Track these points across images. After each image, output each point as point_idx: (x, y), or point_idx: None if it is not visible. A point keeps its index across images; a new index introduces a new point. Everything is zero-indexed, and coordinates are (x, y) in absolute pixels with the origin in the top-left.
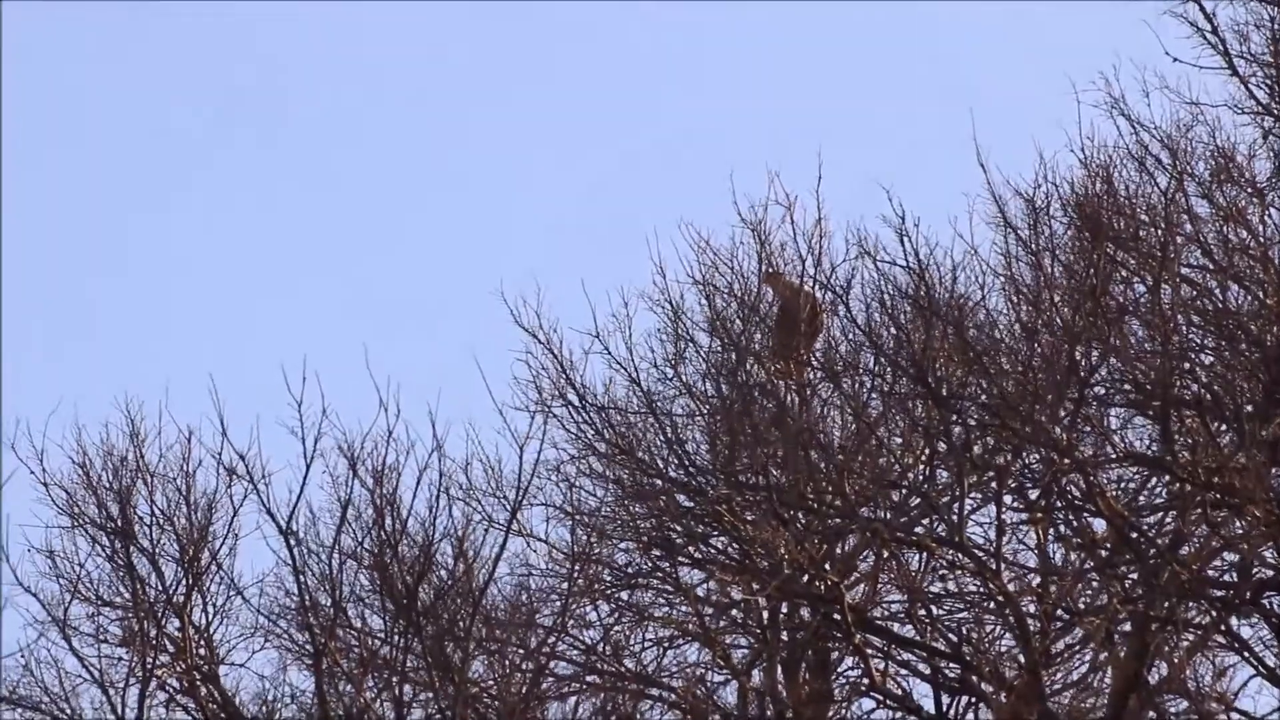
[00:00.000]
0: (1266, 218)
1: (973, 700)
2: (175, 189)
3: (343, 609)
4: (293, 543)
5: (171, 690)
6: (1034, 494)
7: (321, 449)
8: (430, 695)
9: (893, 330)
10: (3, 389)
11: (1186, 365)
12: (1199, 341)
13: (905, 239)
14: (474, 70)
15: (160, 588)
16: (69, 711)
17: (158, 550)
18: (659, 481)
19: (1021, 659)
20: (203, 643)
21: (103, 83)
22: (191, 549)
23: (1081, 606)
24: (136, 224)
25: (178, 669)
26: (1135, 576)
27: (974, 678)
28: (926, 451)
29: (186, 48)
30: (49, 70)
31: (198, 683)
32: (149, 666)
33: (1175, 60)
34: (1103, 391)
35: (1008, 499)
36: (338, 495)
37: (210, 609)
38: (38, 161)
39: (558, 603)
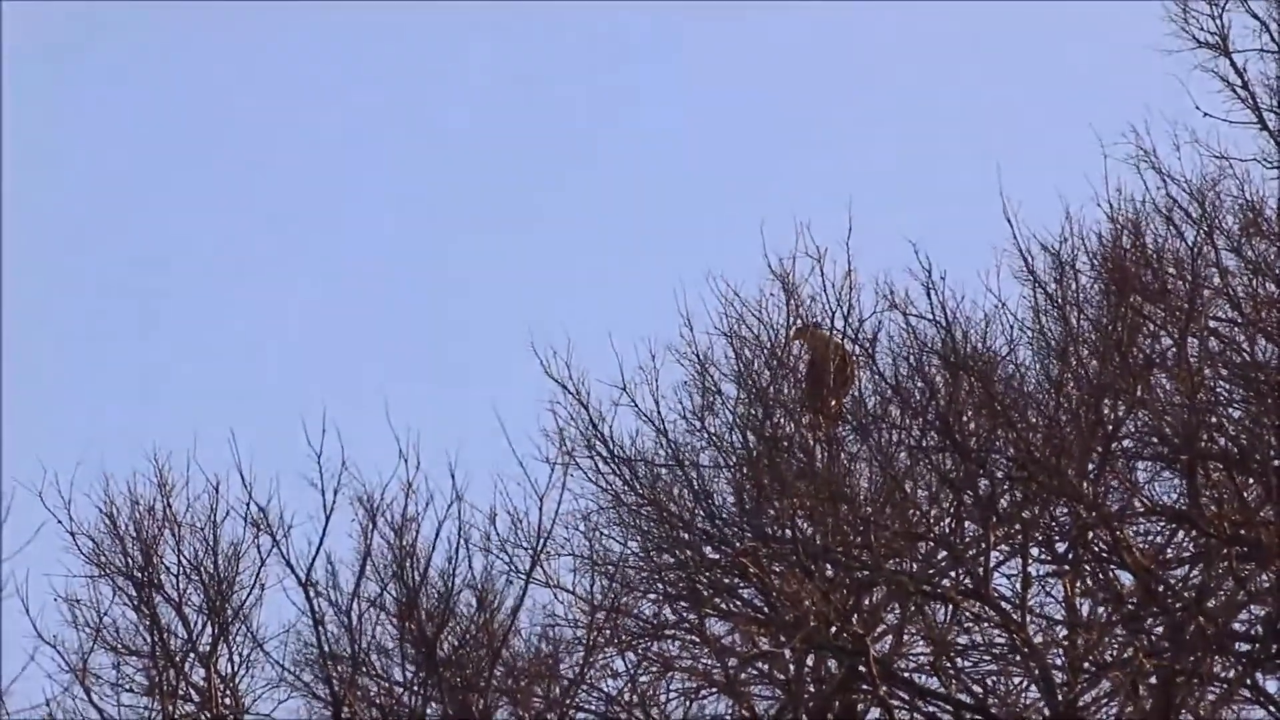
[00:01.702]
0: None
1: None
2: (204, 240)
3: (364, 659)
4: (312, 593)
5: None
6: (1060, 547)
7: (341, 500)
8: None
9: (920, 384)
10: (3, 429)
11: (1213, 419)
12: (1226, 395)
13: (932, 292)
14: (506, 122)
15: (185, 637)
16: None
17: (183, 600)
18: (685, 533)
19: (1047, 711)
20: (228, 692)
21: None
22: (218, 599)
23: (1107, 659)
24: (166, 279)
25: (204, 718)
26: (1161, 630)
27: None
28: (953, 505)
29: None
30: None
31: None
32: (170, 716)
33: (1205, 114)
34: (1129, 445)
35: (1034, 552)
36: (359, 546)
37: (236, 658)
38: (58, 194)
39: (581, 652)
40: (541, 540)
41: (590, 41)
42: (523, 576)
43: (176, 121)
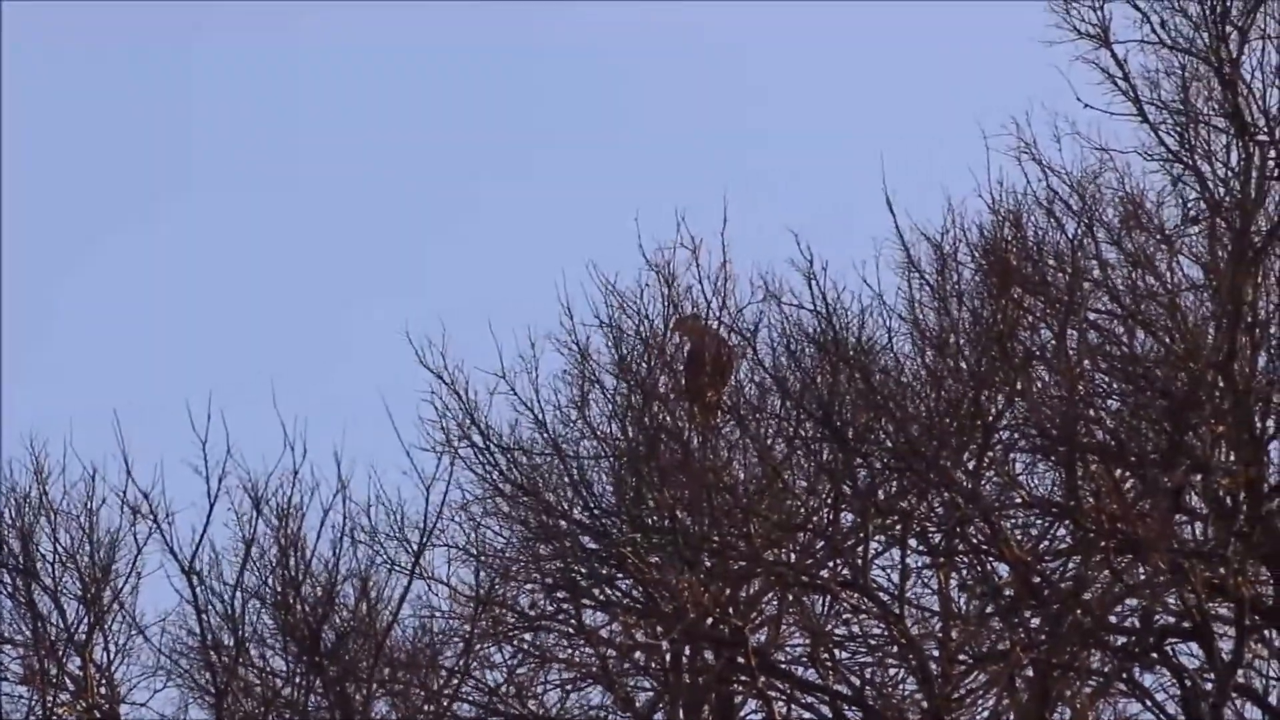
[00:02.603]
0: (1175, 265)
1: None
2: (82, 223)
3: (245, 648)
4: (195, 582)
5: None
6: (938, 538)
7: (226, 488)
8: None
9: (799, 374)
10: None
11: (1092, 411)
12: (1105, 388)
13: (812, 282)
14: (391, 113)
15: (62, 626)
16: None
17: (60, 588)
18: (564, 523)
19: (924, 703)
20: (104, 681)
21: None
22: (94, 587)
23: (984, 651)
24: (47, 258)
25: (78, 707)
26: (1038, 622)
27: None
28: (831, 495)
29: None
30: None
31: None
32: (49, 705)
33: (1087, 106)
34: (1008, 437)
35: (912, 543)
36: (242, 534)
37: (112, 647)
38: None
39: (461, 644)
40: (427, 532)
41: (479, 23)
42: (402, 569)
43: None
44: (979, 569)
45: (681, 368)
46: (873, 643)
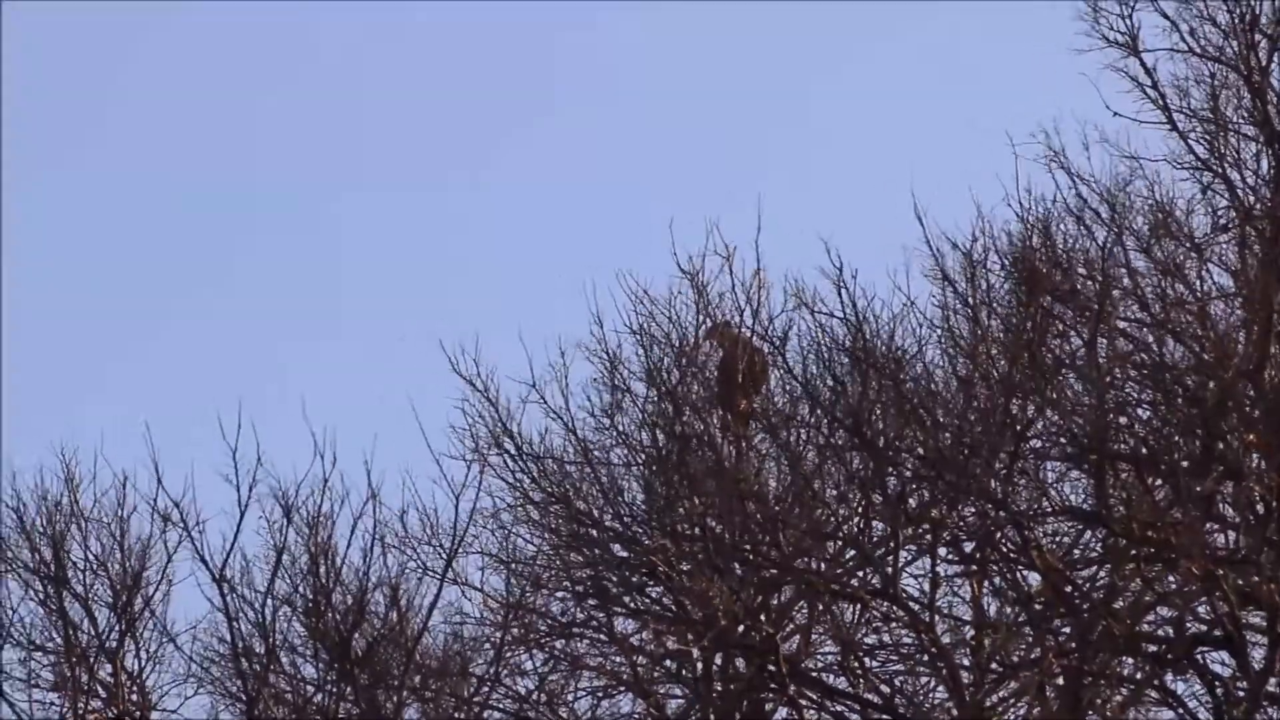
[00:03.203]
0: (1204, 273)
1: None
2: (111, 234)
3: (276, 656)
4: (226, 589)
5: None
6: (969, 547)
7: (256, 496)
8: None
9: (830, 382)
10: None
11: (1123, 419)
12: (1136, 396)
13: (843, 291)
14: (415, 120)
15: (93, 633)
16: None
17: (91, 596)
18: (595, 531)
19: (955, 711)
20: (135, 688)
21: None
22: (125, 595)
23: (1015, 660)
24: (72, 268)
25: (109, 714)
26: (1069, 630)
27: None
28: (862, 504)
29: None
30: None
31: None
32: (80, 712)
33: (1116, 114)
34: (1039, 445)
35: (943, 552)
36: (272, 542)
37: (143, 655)
38: None
39: (491, 652)
40: (457, 539)
41: (504, 38)
42: (433, 575)
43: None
44: (1010, 577)
45: (713, 376)
46: (903, 651)
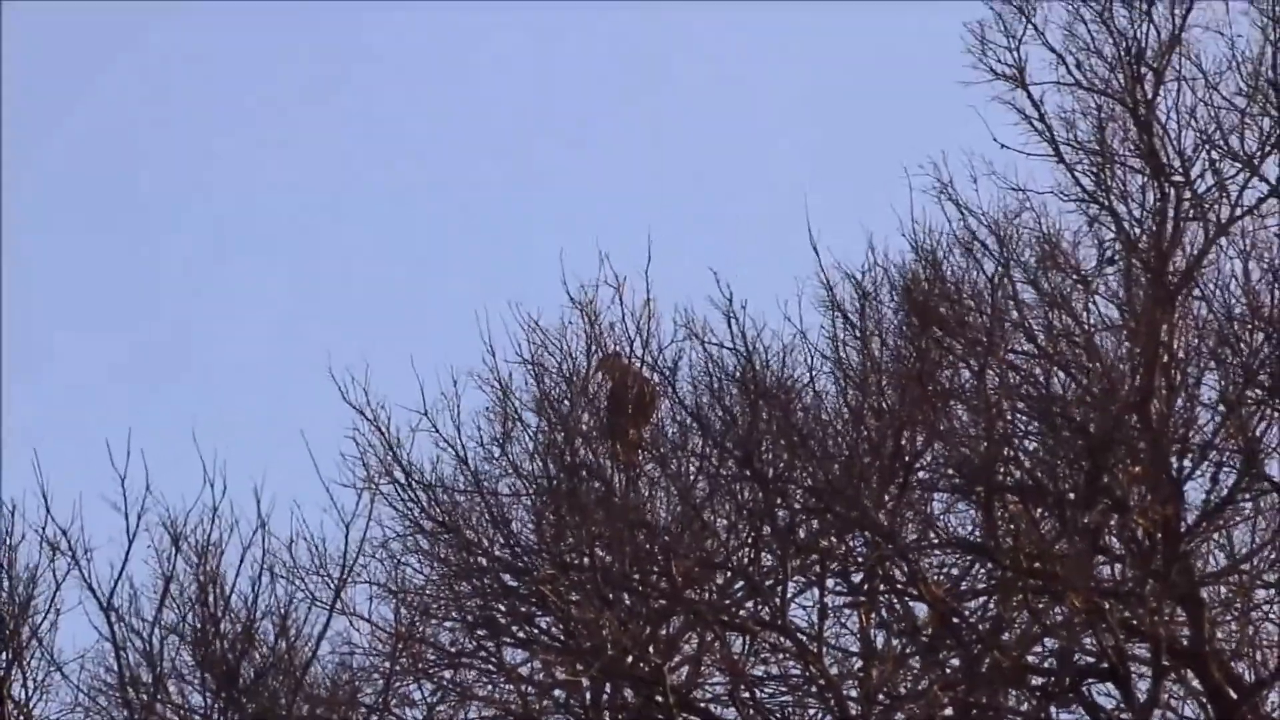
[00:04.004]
0: (1091, 305)
1: None
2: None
3: (164, 684)
4: (113, 618)
5: None
6: (857, 578)
7: (145, 524)
8: None
9: (719, 413)
10: None
11: (1010, 451)
12: (1023, 427)
13: (733, 321)
14: (314, 148)
15: None
16: None
17: None
18: (484, 560)
19: None
20: (21, 718)
21: None
22: (12, 623)
23: (903, 691)
24: None
25: None
26: (956, 662)
27: None
28: (751, 534)
29: None
30: None
31: None
32: None
33: (1004, 147)
34: (927, 476)
35: (831, 583)
36: (161, 571)
37: (30, 684)
38: None
39: (380, 681)
40: (347, 568)
41: (406, 55)
42: (322, 605)
43: None
44: (898, 608)
45: (603, 406)
46: (792, 682)
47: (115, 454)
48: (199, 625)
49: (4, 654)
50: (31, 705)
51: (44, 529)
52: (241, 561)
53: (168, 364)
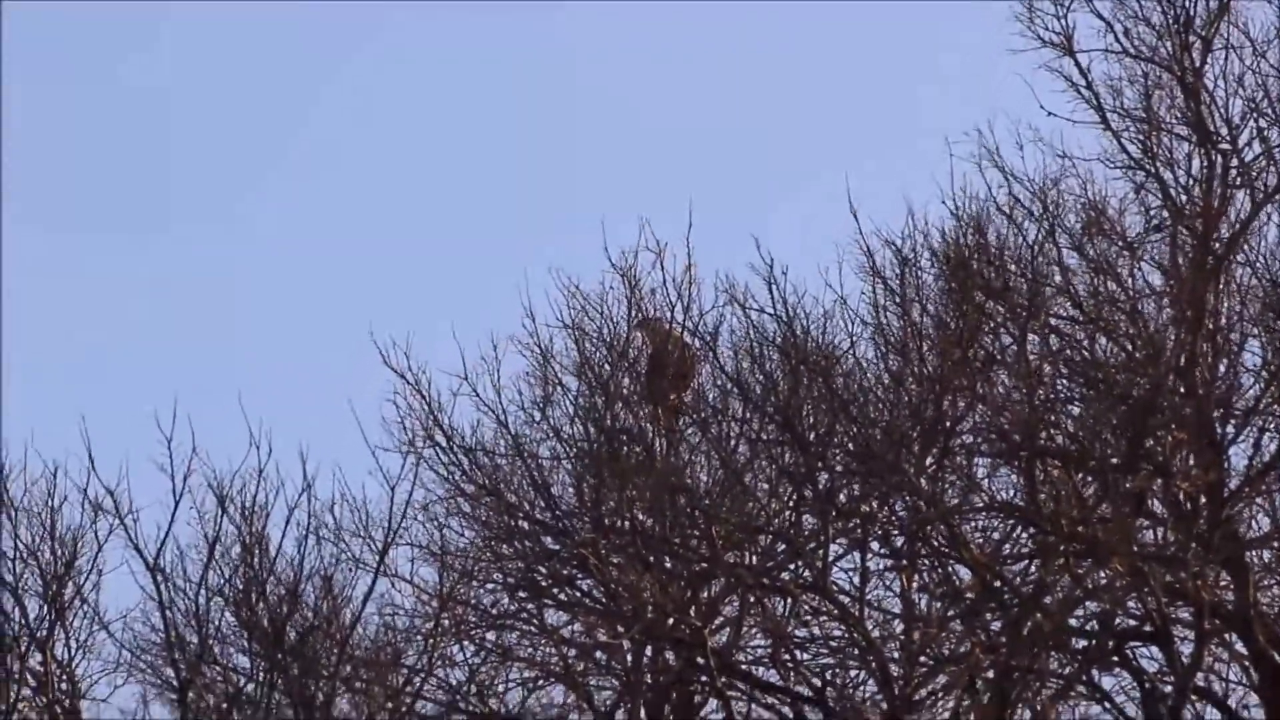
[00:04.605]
0: (1136, 271)
1: None
2: (42, 223)
3: (209, 645)
4: (160, 578)
5: None
6: (899, 542)
7: (190, 486)
8: None
9: (760, 377)
10: None
11: (1053, 416)
12: (1066, 393)
13: (774, 287)
14: (350, 113)
15: (23, 622)
16: None
17: (21, 585)
18: (525, 524)
19: (884, 705)
20: (65, 677)
21: None
22: (55, 583)
23: (944, 654)
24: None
25: (39, 704)
26: (998, 625)
27: None
28: (792, 498)
29: None
30: None
31: (59, 717)
32: (10, 701)
33: (1050, 114)
34: (969, 441)
35: (873, 546)
36: (205, 533)
37: (73, 644)
38: None
39: (423, 643)
40: (392, 531)
41: (435, 34)
42: (363, 566)
43: None
44: (940, 572)
45: (643, 370)
46: (833, 644)
47: (162, 418)
48: (244, 587)
49: (48, 614)
50: (74, 665)
51: (86, 489)
52: (287, 524)
53: (215, 328)
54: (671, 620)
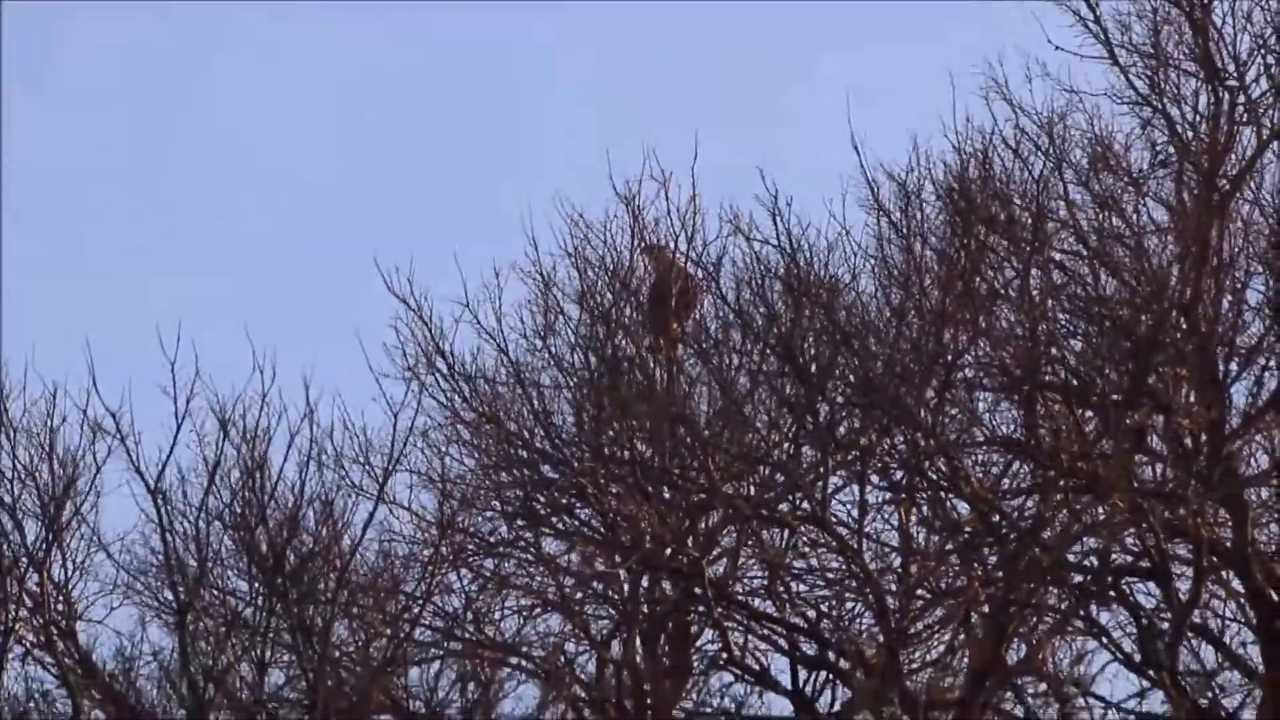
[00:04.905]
0: (1141, 207)
1: (831, 677)
2: (48, 134)
3: (208, 569)
4: (160, 501)
5: (29, 645)
6: (898, 475)
7: (192, 410)
8: (292, 658)
9: (762, 309)
10: None
11: (1054, 351)
12: (1068, 328)
13: (778, 219)
14: (358, 38)
15: (20, 543)
16: None
17: (18, 506)
18: (525, 452)
19: (880, 637)
20: (61, 598)
21: None
22: (54, 504)
23: (942, 587)
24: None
25: (35, 624)
26: (996, 559)
27: (832, 655)
28: (792, 430)
29: None
30: None
31: (55, 638)
32: (6, 621)
33: (1058, 49)
34: (970, 375)
35: (872, 479)
36: (205, 457)
37: (70, 565)
38: None
39: (421, 570)
40: (394, 457)
41: None
42: (366, 494)
43: None
44: (938, 506)
45: (645, 300)
46: (830, 577)
47: (166, 342)
48: (244, 511)
49: (46, 535)
50: (71, 585)
51: (86, 410)
52: (288, 449)
53: (220, 253)
54: (669, 550)
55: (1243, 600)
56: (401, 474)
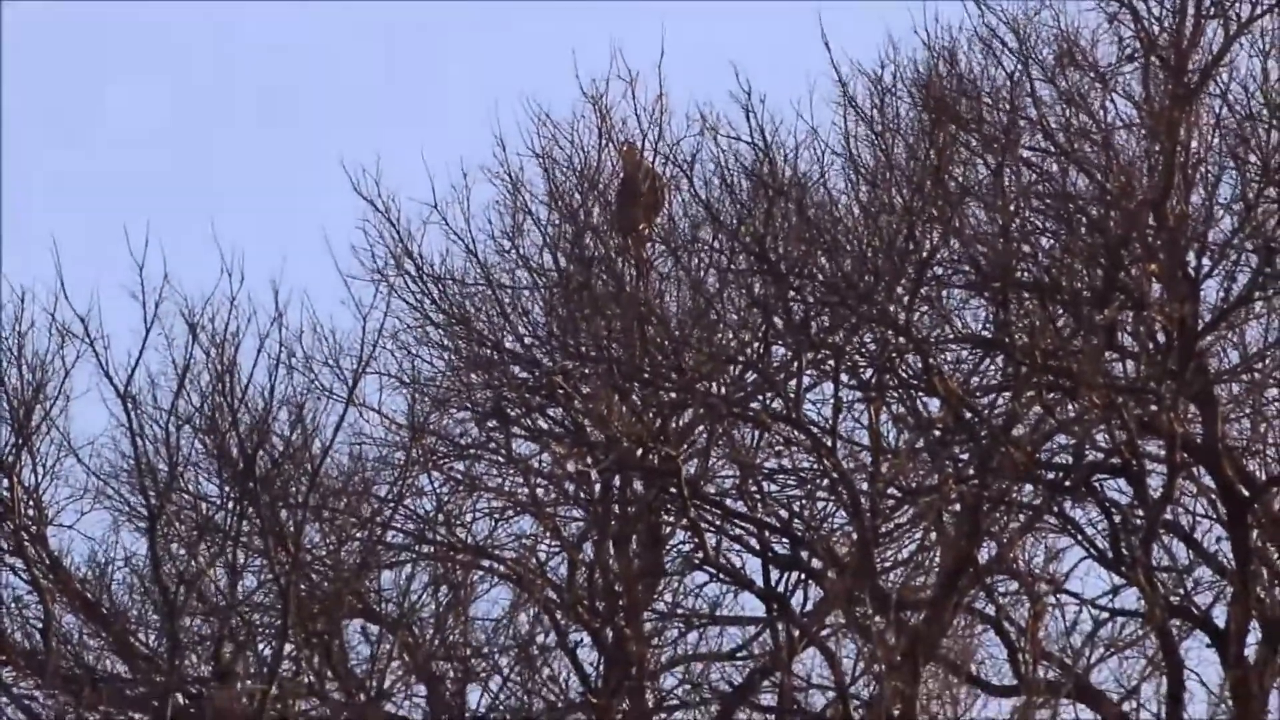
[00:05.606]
0: (1109, 103)
1: (804, 576)
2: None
3: (178, 473)
4: (130, 405)
5: None
6: (870, 373)
7: (161, 314)
8: (264, 562)
9: (733, 207)
10: None
11: (1026, 248)
12: (1039, 225)
13: (750, 115)
14: None
15: None
16: None
17: None
18: (494, 353)
19: (853, 535)
20: (31, 503)
21: None
22: (23, 409)
23: (914, 485)
24: None
25: (5, 529)
26: (968, 457)
27: (805, 553)
28: (764, 328)
29: None
30: None
31: (26, 543)
32: None
33: None
34: (941, 272)
35: (844, 377)
36: (174, 360)
37: (40, 470)
38: None
39: (392, 473)
40: (363, 361)
41: None
42: (337, 398)
43: None
44: (910, 403)
45: (614, 198)
46: (803, 475)
47: (133, 243)
48: (214, 415)
49: (15, 439)
50: (41, 490)
51: (54, 313)
52: (258, 353)
53: (186, 153)
54: (641, 450)
55: (1214, 496)
56: (371, 376)
